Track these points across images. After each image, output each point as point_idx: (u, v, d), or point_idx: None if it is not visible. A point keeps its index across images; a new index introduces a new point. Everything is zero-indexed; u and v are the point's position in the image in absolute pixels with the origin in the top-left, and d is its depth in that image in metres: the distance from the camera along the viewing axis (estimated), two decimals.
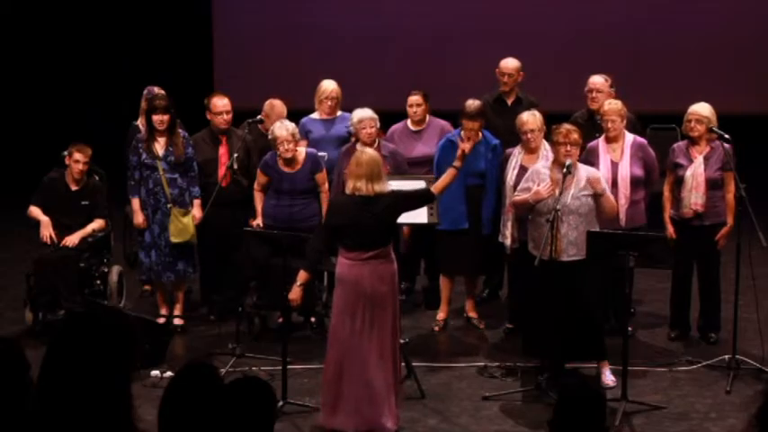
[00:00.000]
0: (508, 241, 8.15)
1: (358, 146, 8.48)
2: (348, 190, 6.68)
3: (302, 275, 6.94)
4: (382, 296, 6.62)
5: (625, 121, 8.12)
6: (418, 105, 8.87)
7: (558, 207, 7.09)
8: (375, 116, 8.42)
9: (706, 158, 8.00)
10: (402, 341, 7.15)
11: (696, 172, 7.97)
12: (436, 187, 6.91)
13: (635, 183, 8.05)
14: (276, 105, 9.04)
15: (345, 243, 6.66)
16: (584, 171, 7.41)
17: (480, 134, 8.47)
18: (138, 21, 14.46)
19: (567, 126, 7.45)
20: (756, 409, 3.37)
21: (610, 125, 8.05)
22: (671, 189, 8.15)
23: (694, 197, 7.97)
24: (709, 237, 8.02)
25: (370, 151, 6.87)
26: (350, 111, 8.91)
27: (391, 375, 6.68)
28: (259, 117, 8.90)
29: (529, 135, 8.04)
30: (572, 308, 7.20)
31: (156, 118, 8.43)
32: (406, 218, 7.05)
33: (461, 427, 6.89)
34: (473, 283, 8.80)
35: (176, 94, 8.91)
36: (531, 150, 8.11)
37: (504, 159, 8.26)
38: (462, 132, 8.30)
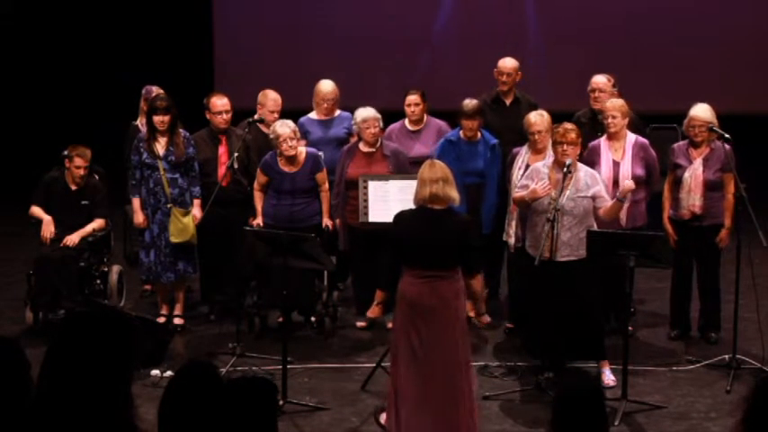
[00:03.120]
0: (512, 240, 8.16)
1: (361, 145, 8.50)
2: (421, 200, 6.30)
3: (380, 294, 7.60)
4: (443, 314, 6.24)
5: (627, 120, 8.12)
6: (416, 105, 8.87)
7: (558, 206, 7.10)
8: (378, 116, 8.43)
9: (705, 160, 8.00)
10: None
11: (695, 173, 7.97)
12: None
13: (636, 182, 8.03)
14: (269, 93, 9.03)
15: (406, 259, 6.33)
16: (582, 172, 7.42)
17: (479, 133, 8.49)
18: (137, 21, 14.46)
19: (565, 125, 7.47)
20: (743, 413, 3.37)
21: (610, 121, 8.06)
22: (670, 189, 8.15)
23: (692, 199, 7.98)
24: (708, 237, 8.03)
25: (438, 161, 6.50)
26: (349, 110, 8.91)
27: (460, 394, 6.29)
28: (259, 117, 8.90)
29: (536, 136, 8.04)
30: (571, 307, 7.21)
31: (156, 118, 8.43)
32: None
33: None
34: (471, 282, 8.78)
35: (176, 94, 8.91)
36: (538, 151, 8.11)
37: (510, 159, 8.27)
38: (461, 132, 8.37)
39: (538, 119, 8.08)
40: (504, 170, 8.39)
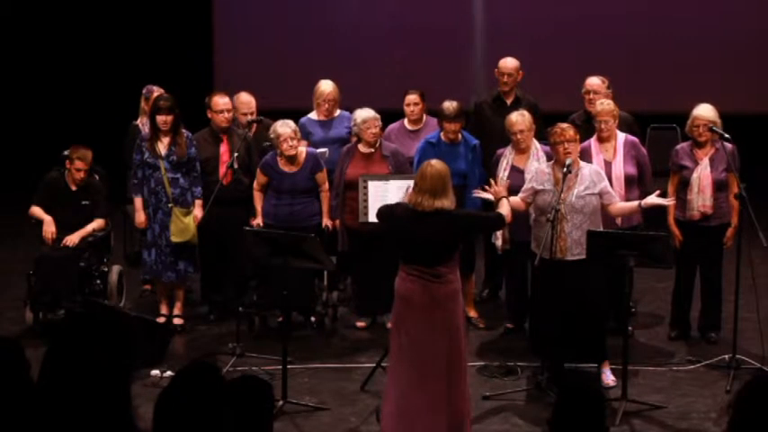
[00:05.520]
0: (499, 242, 8.16)
1: (360, 146, 8.50)
2: (409, 200, 6.32)
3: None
4: (433, 316, 6.21)
5: (617, 121, 8.13)
6: (416, 104, 8.87)
7: (558, 206, 7.10)
8: (378, 116, 8.43)
9: (711, 160, 7.99)
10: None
11: (702, 174, 7.96)
12: (507, 215, 6.74)
13: (629, 181, 8.04)
14: (241, 96, 9.04)
15: (400, 254, 6.35)
16: (587, 170, 7.42)
17: (460, 135, 8.47)
18: (138, 20, 14.45)
19: (561, 125, 7.46)
20: (728, 422, 3.38)
21: (603, 126, 8.06)
22: (675, 191, 8.14)
23: (702, 199, 7.96)
24: (714, 237, 8.02)
25: (436, 164, 6.33)
26: (349, 110, 8.91)
27: (451, 395, 6.24)
28: (259, 117, 8.91)
29: (518, 135, 8.05)
30: (574, 307, 7.21)
31: (159, 118, 8.43)
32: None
33: None
34: (464, 282, 8.74)
35: (176, 94, 8.91)
36: (522, 151, 8.13)
37: (495, 160, 8.26)
38: (442, 134, 8.36)
39: (519, 118, 8.08)
40: (488, 171, 8.39)
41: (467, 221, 6.53)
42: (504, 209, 6.79)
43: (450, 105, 8.40)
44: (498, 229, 7.48)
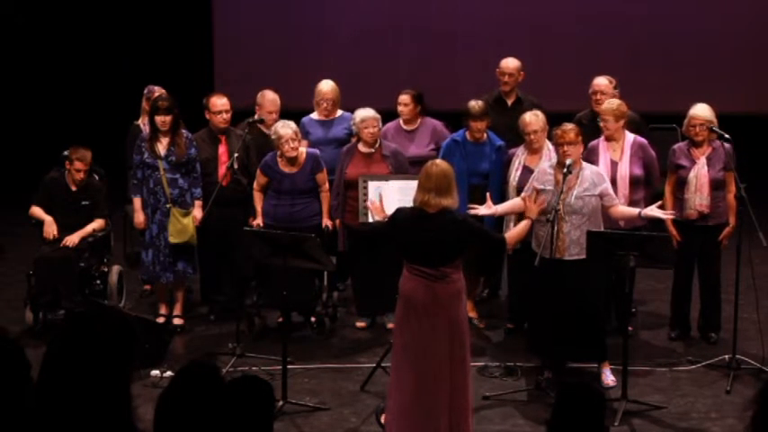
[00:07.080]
0: None
1: (360, 146, 8.50)
2: (415, 202, 6.36)
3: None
4: (436, 315, 6.21)
5: (622, 121, 8.12)
6: (405, 105, 8.84)
7: (557, 207, 7.11)
8: (378, 116, 8.43)
9: (708, 159, 8.00)
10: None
11: (699, 173, 7.97)
12: (510, 238, 6.74)
13: (634, 182, 8.05)
14: (267, 94, 9.03)
15: (404, 254, 6.39)
16: (588, 171, 7.43)
17: (485, 135, 8.47)
18: (138, 20, 14.46)
19: (564, 126, 7.47)
20: (752, 417, 3.37)
21: (603, 125, 8.07)
22: (672, 191, 8.14)
23: (699, 199, 7.97)
24: (712, 237, 8.03)
25: (440, 163, 6.42)
26: (349, 111, 8.90)
27: (452, 393, 6.24)
28: (259, 117, 8.90)
29: (532, 136, 8.06)
30: (574, 307, 7.21)
31: (158, 119, 8.43)
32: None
33: None
34: (474, 283, 8.78)
35: (176, 94, 8.91)
36: (535, 151, 8.13)
37: (507, 160, 8.27)
38: (468, 133, 8.35)
39: (533, 119, 8.09)
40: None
41: (469, 231, 6.39)
42: (515, 231, 6.82)
43: (475, 104, 8.41)
44: (497, 252, 7.39)
